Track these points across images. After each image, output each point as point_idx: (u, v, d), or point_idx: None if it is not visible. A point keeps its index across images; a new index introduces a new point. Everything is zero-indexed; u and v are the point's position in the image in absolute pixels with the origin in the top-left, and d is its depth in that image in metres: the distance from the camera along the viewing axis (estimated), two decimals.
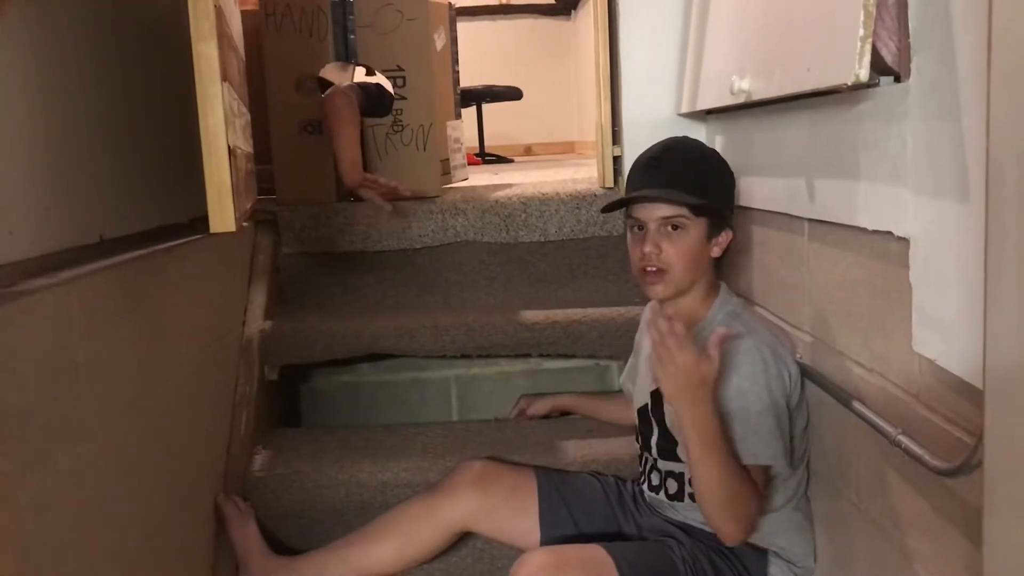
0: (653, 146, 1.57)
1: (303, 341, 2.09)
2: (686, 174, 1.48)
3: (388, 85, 2.47)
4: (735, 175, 1.60)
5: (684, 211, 1.46)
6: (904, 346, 1.11)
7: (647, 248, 1.47)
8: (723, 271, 1.67)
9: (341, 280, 2.35)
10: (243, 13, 2.15)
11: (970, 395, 0.95)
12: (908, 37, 1.07)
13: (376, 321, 2.12)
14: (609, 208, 1.56)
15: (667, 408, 1.51)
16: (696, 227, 1.48)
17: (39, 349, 1.06)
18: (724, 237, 1.51)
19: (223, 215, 1.27)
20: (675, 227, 1.47)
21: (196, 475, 1.66)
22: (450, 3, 2.85)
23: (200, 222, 1.42)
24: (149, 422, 1.40)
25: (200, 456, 1.70)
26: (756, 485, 1.40)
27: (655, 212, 1.48)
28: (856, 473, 1.33)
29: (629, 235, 1.54)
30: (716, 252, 1.51)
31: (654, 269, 1.48)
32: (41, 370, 1.05)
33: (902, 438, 1.09)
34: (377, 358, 2.16)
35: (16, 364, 0.99)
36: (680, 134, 1.61)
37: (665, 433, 1.53)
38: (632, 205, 1.50)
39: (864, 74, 1.05)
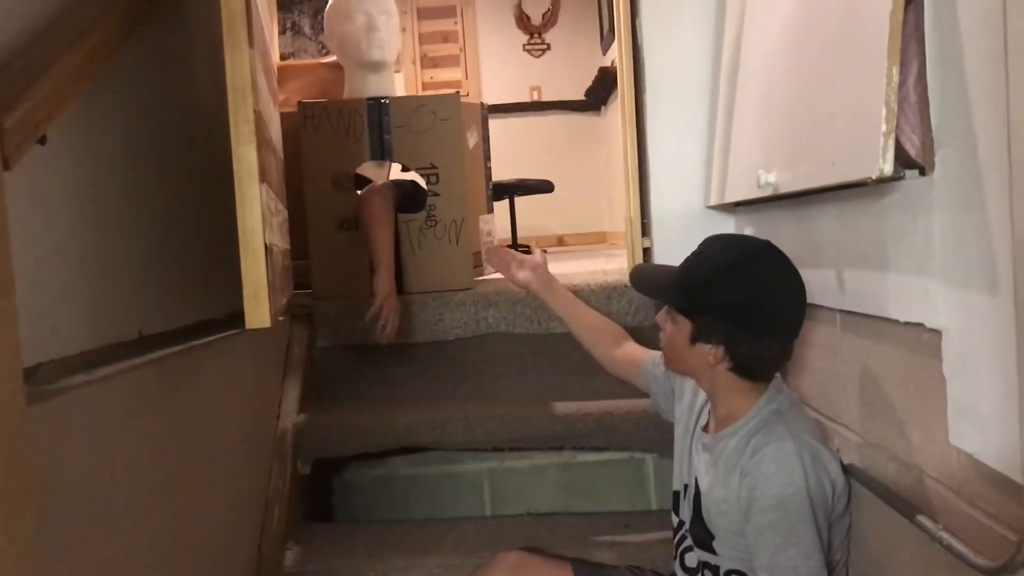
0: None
1: (336, 434, 2.09)
2: (683, 275, 1.48)
3: (422, 182, 2.52)
4: None
5: (668, 305, 1.50)
6: (941, 439, 1.09)
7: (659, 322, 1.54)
8: None
9: (375, 372, 2.36)
10: (282, 115, 2.23)
11: (1011, 490, 0.93)
12: (931, 131, 1.08)
13: (409, 414, 2.12)
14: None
15: (704, 498, 1.48)
16: (678, 325, 1.47)
17: (77, 446, 1.07)
18: (714, 352, 1.42)
19: (259, 312, 1.30)
20: (673, 315, 1.49)
21: (228, 572, 1.65)
22: (482, 103, 2.93)
23: (237, 316, 1.44)
24: (182, 518, 1.40)
25: (232, 552, 1.69)
26: None
27: None
28: (898, 569, 1.29)
29: None
30: (711, 361, 1.43)
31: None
32: (78, 468, 1.07)
33: (943, 534, 1.06)
34: (410, 451, 2.16)
35: (52, 462, 1.01)
36: (708, 226, 1.63)
37: (700, 522, 1.50)
38: None
39: (888, 168, 1.06)
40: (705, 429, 1.55)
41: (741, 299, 1.40)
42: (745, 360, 1.42)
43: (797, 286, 1.42)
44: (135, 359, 1.33)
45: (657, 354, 1.76)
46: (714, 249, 1.48)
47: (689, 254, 1.50)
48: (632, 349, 1.83)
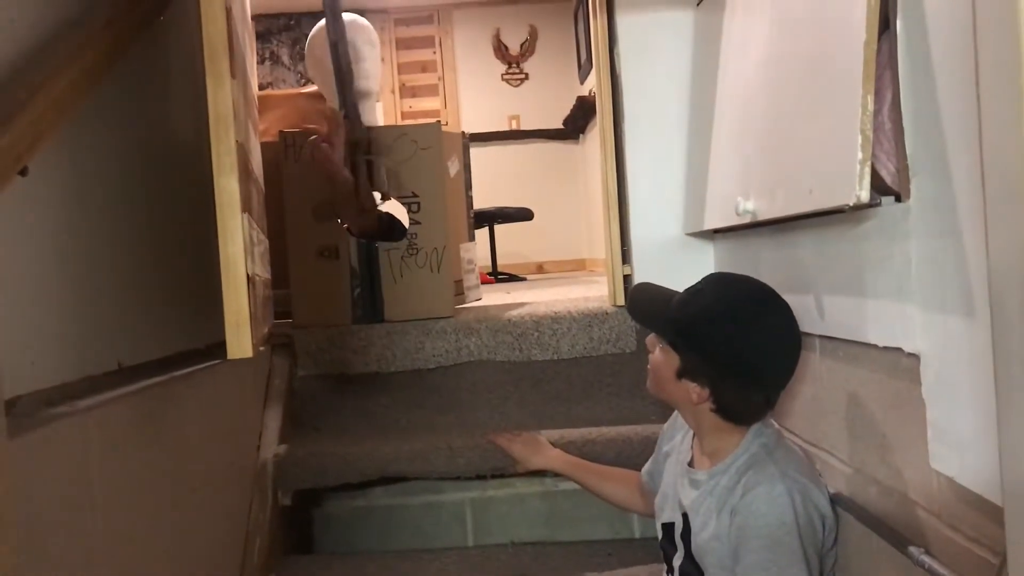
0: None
1: (317, 465, 2.07)
2: (678, 310, 1.45)
3: (401, 211, 2.53)
4: None
5: (656, 334, 1.50)
6: (921, 462, 1.10)
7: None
8: None
9: (355, 402, 2.35)
10: (262, 144, 2.23)
11: (991, 512, 0.94)
12: (906, 159, 1.10)
13: (390, 444, 2.11)
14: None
15: (695, 536, 1.47)
16: (665, 355, 1.46)
17: (56, 479, 1.06)
18: (699, 391, 1.42)
19: (240, 342, 1.29)
20: (663, 344, 1.48)
21: None
22: (463, 132, 2.95)
23: (218, 347, 1.43)
24: (162, 550, 1.39)
25: None
26: None
27: None
28: None
29: None
30: (694, 399, 1.42)
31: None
32: (57, 501, 1.05)
33: (925, 558, 1.07)
34: (391, 481, 2.14)
35: (32, 495, 0.99)
36: (688, 252, 1.63)
37: (691, 558, 1.49)
38: None
39: (865, 195, 1.08)
40: (690, 464, 1.55)
41: (732, 347, 1.38)
42: (728, 406, 1.42)
43: (792, 340, 1.40)
44: (115, 391, 1.32)
45: (645, 470, 1.79)
46: (714, 289, 1.45)
47: (690, 287, 1.47)
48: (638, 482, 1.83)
